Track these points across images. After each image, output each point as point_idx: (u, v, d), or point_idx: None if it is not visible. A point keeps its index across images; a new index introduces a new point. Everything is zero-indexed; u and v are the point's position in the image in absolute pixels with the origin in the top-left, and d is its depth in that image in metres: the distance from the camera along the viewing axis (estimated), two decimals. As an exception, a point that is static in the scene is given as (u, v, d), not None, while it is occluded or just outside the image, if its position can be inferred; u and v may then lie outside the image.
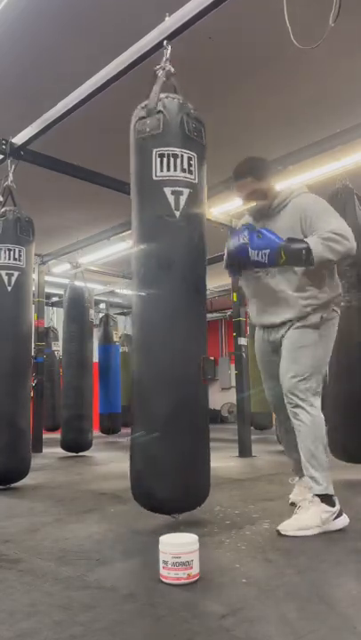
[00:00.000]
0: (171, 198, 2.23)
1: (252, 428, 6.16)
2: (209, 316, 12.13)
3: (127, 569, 1.79)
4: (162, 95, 2.34)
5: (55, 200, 5.97)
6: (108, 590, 1.57)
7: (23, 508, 2.89)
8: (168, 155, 2.25)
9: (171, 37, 2.67)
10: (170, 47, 2.63)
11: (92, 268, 7.38)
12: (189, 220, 2.29)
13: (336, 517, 2.19)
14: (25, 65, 3.78)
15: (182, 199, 2.24)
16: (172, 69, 2.53)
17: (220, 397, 13.39)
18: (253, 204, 2.50)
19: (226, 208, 5.24)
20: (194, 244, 2.31)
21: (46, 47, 3.60)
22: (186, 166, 2.27)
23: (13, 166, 3.85)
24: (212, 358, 11.96)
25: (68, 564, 1.82)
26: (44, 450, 6.37)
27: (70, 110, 3.40)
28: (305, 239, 2.22)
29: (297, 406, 2.28)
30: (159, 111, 2.29)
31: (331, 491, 2.22)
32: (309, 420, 2.25)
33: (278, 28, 2.34)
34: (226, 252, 2.46)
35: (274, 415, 2.76)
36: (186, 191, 2.26)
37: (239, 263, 2.41)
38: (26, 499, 3.22)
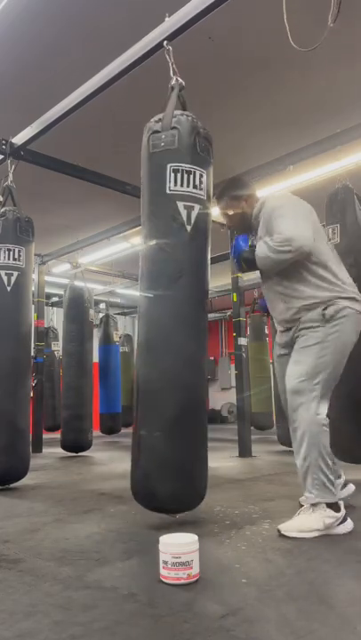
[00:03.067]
0: (183, 212, 2.32)
1: (252, 427, 6.16)
2: (209, 316, 12.19)
3: (127, 569, 1.79)
4: (176, 112, 2.42)
5: (55, 200, 5.97)
6: (108, 590, 1.57)
7: (23, 508, 2.89)
8: (182, 170, 2.34)
9: (171, 38, 2.67)
10: (171, 49, 2.63)
11: (92, 267, 7.38)
12: (198, 234, 2.38)
13: (340, 523, 2.17)
14: (25, 65, 3.78)
15: (193, 214, 2.34)
16: (183, 83, 2.55)
17: (220, 397, 13.38)
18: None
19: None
20: (202, 257, 2.41)
21: (46, 47, 3.60)
22: (197, 183, 2.38)
23: (13, 166, 3.85)
24: (211, 358, 11.96)
25: (68, 564, 1.82)
26: (44, 450, 6.37)
27: (70, 110, 3.40)
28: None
29: (296, 409, 2.23)
30: (174, 127, 2.36)
31: (333, 499, 2.18)
32: (305, 423, 2.19)
33: (278, 29, 2.34)
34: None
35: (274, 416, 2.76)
36: (197, 207, 2.36)
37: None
38: (26, 499, 3.22)
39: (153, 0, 2.92)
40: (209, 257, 2.48)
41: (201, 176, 2.38)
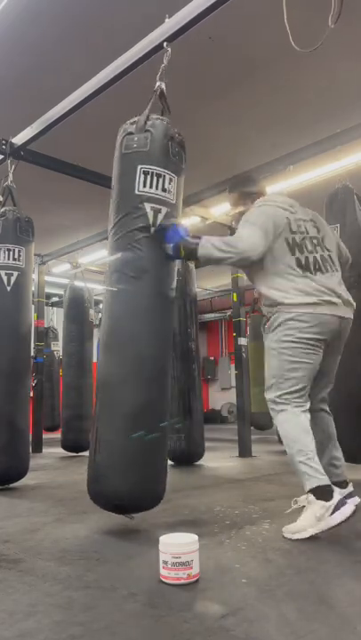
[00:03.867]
0: (150, 213, 2.32)
1: (252, 427, 6.16)
2: (209, 316, 12.22)
3: (127, 569, 1.79)
4: (152, 116, 2.42)
5: (55, 200, 5.98)
6: (108, 590, 1.57)
7: (23, 508, 2.89)
8: (152, 173, 2.34)
9: (171, 39, 2.67)
10: (169, 49, 2.63)
11: (92, 267, 7.38)
12: (163, 235, 2.38)
13: (334, 511, 2.09)
14: (25, 65, 3.78)
15: (160, 216, 2.34)
16: (164, 87, 2.55)
17: (220, 397, 13.39)
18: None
19: (225, 208, 5.25)
20: (164, 257, 2.39)
21: (46, 48, 3.60)
22: (167, 186, 2.38)
23: (13, 166, 3.85)
24: (211, 358, 11.97)
25: (68, 564, 1.83)
26: (44, 450, 6.37)
27: (70, 111, 3.40)
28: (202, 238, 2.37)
29: (272, 412, 2.40)
30: (147, 130, 2.37)
31: (318, 482, 2.14)
32: (281, 425, 2.34)
33: (278, 29, 2.34)
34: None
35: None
36: (164, 209, 2.35)
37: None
38: (26, 499, 3.22)
39: (153, 1, 2.92)
40: None
41: (171, 180, 2.39)
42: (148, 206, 2.32)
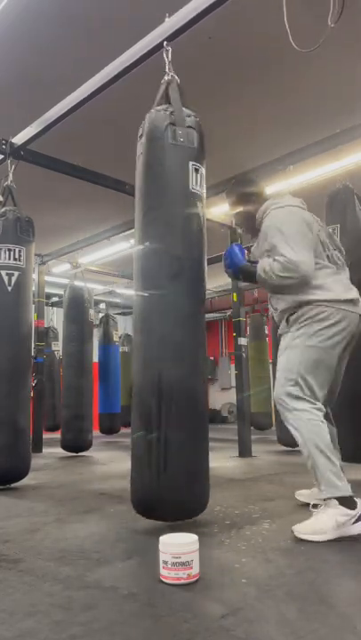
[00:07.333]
0: (200, 212, 2.38)
1: (252, 427, 6.16)
2: (209, 316, 12.21)
3: (127, 569, 1.79)
4: (187, 111, 2.44)
5: (55, 200, 5.97)
6: (108, 590, 1.57)
7: (23, 508, 2.89)
8: (200, 172, 2.40)
9: (171, 38, 2.68)
10: (170, 49, 2.63)
11: (92, 267, 7.38)
12: (203, 232, 2.43)
13: (356, 521, 2.06)
14: (25, 65, 3.78)
15: (202, 214, 2.40)
16: (178, 79, 2.55)
17: (220, 397, 13.38)
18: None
19: (225, 208, 5.24)
20: (204, 255, 2.44)
21: (47, 47, 3.60)
22: (204, 182, 2.45)
23: (13, 166, 3.85)
24: (211, 358, 11.97)
25: (68, 564, 1.83)
26: (44, 450, 6.37)
27: (70, 110, 3.40)
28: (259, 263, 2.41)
29: (283, 412, 2.30)
30: (189, 126, 2.39)
31: (341, 492, 2.10)
32: (296, 424, 2.23)
33: (279, 29, 2.34)
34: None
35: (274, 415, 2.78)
36: (200, 205, 2.41)
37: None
38: (26, 499, 3.22)
39: (153, 1, 2.92)
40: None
41: (203, 175, 2.44)
42: (199, 205, 2.37)
